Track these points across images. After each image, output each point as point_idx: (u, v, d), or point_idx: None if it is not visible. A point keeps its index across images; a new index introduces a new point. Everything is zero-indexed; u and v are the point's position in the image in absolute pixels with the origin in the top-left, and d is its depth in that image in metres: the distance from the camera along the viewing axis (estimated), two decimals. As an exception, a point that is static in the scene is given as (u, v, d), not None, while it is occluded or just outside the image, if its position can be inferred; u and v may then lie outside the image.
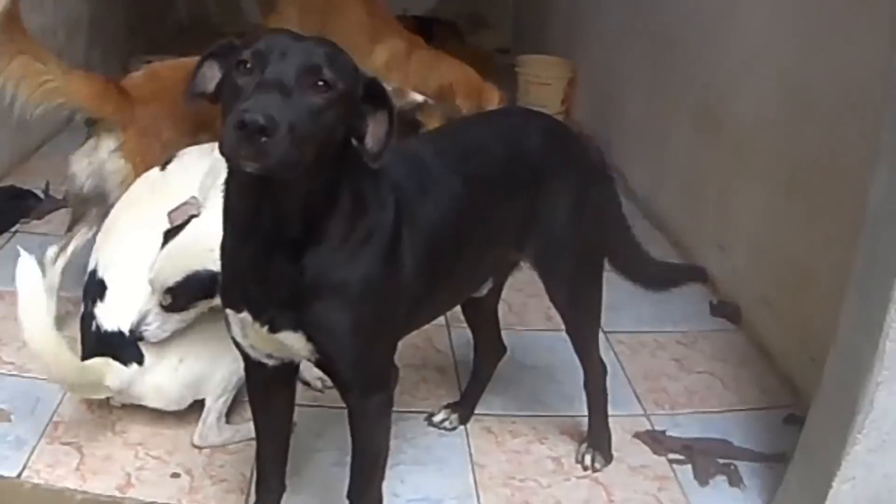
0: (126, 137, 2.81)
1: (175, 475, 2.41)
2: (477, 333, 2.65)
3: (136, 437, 2.54)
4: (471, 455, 2.60)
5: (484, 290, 2.38)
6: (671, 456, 2.68)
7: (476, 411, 2.73)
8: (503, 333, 2.71)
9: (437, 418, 2.68)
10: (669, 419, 2.85)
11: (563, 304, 2.36)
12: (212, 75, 1.72)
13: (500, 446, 2.58)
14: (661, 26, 4.33)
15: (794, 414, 2.81)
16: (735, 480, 2.60)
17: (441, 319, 2.74)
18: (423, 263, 1.90)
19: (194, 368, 2.47)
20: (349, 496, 2.04)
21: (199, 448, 2.50)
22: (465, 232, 2.02)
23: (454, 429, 2.68)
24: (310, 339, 1.82)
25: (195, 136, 2.84)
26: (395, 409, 2.67)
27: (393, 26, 4.47)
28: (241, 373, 2.10)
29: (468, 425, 2.70)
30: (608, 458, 2.60)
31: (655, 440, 2.73)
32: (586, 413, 2.65)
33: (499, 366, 2.72)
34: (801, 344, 2.97)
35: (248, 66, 1.58)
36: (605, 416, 2.59)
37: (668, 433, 2.77)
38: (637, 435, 2.75)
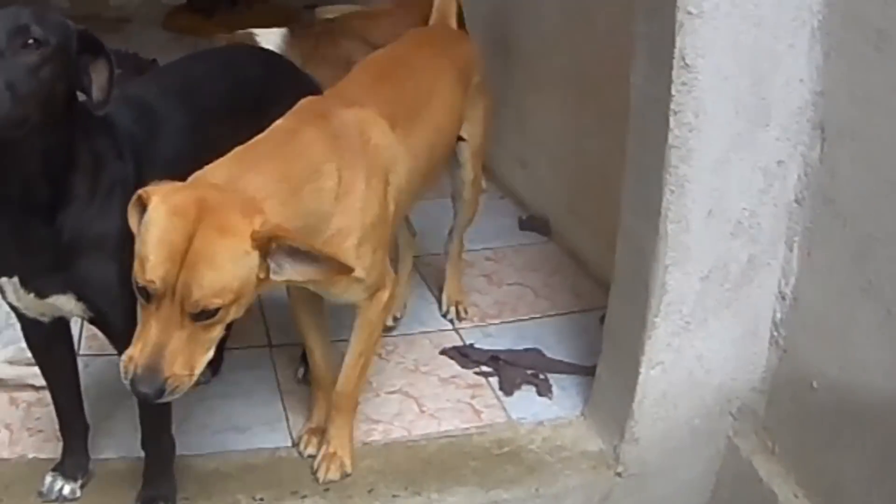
0: None
1: (-6, 431, 2.36)
2: None
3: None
4: (278, 383, 2.56)
5: None
6: (479, 369, 2.67)
7: (282, 342, 2.69)
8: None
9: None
10: (480, 331, 2.86)
11: None
12: None
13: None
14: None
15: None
16: (544, 390, 2.59)
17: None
18: None
19: None
20: (143, 446, 2.08)
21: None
22: (199, 163, 2.03)
23: None
24: (80, 298, 1.84)
25: None
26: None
27: None
28: None
29: (274, 357, 2.66)
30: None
31: (462, 354, 2.71)
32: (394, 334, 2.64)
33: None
34: (609, 245, 2.96)
35: None
36: None
37: (476, 346, 2.76)
38: (444, 351, 2.73)
